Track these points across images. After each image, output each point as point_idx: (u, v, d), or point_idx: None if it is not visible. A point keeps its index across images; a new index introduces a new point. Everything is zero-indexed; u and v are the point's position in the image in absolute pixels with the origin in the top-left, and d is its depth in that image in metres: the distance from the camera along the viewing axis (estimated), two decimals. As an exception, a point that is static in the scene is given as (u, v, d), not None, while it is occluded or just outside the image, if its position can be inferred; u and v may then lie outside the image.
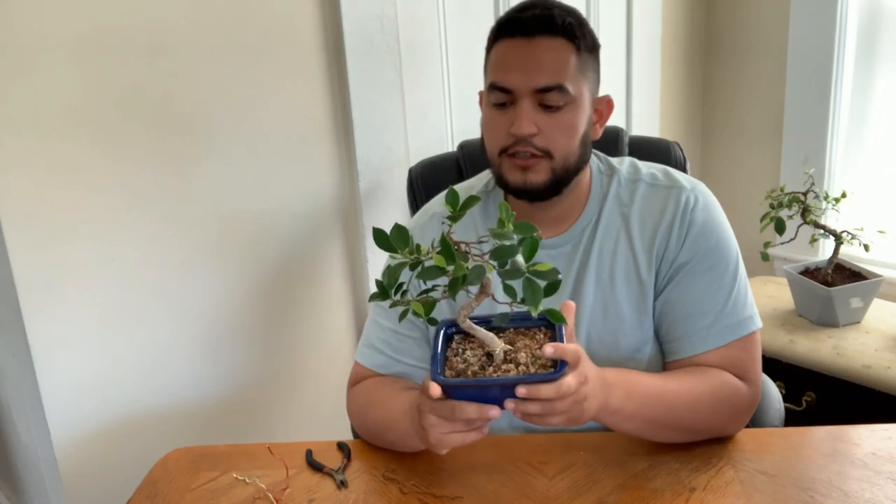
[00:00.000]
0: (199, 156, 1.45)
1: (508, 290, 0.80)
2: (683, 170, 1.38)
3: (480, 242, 0.78)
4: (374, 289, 0.80)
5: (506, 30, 1.04)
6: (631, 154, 1.39)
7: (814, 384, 1.73)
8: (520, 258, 0.76)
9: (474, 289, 0.80)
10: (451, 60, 1.84)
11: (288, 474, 1.01)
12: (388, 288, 0.77)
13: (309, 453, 1.05)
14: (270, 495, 0.97)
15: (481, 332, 0.83)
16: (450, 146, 1.87)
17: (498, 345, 0.83)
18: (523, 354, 0.83)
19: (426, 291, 0.79)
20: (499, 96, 1.03)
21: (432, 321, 0.79)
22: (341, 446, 1.07)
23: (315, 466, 1.02)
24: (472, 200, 0.79)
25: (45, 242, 1.29)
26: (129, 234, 1.38)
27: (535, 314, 0.77)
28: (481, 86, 1.13)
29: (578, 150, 1.05)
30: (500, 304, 0.81)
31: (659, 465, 0.97)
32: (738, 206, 2.12)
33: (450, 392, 0.83)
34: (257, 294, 1.59)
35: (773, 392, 1.23)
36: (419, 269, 0.76)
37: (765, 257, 1.79)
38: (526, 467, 0.99)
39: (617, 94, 2.23)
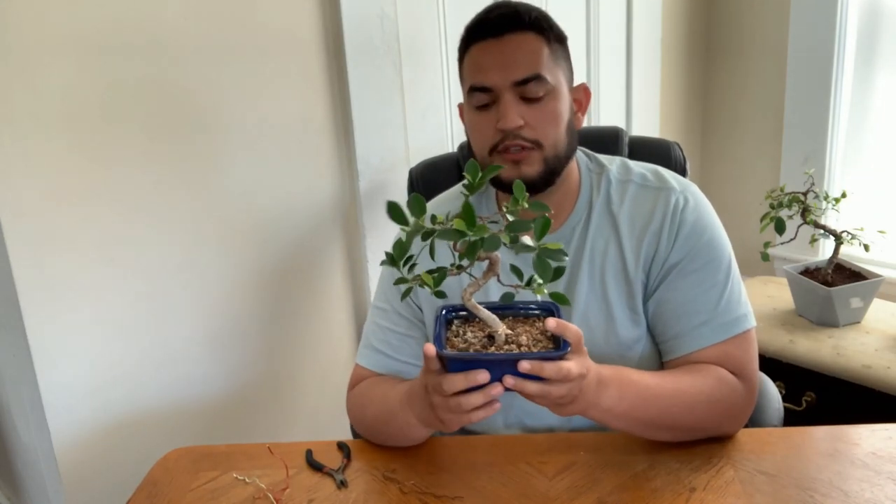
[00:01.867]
0: (199, 156, 1.45)
1: (515, 271, 0.81)
2: (683, 170, 1.38)
3: (492, 223, 0.79)
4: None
5: (475, 34, 1.06)
6: (631, 154, 1.39)
7: (814, 384, 1.73)
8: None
9: (479, 270, 0.82)
10: (451, 60, 1.83)
11: (288, 474, 1.01)
12: (397, 259, 0.78)
13: (309, 453, 1.05)
14: (270, 495, 0.97)
15: (484, 312, 0.84)
16: (450, 146, 1.87)
17: (500, 325, 0.84)
18: (525, 337, 0.84)
19: (435, 271, 0.80)
20: (480, 97, 1.04)
21: (440, 294, 0.80)
22: (341, 446, 1.07)
23: (315, 466, 1.02)
24: (492, 169, 0.81)
25: (46, 242, 1.28)
26: (129, 234, 1.38)
27: (539, 296, 0.79)
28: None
29: (566, 137, 1.06)
30: (504, 286, 0.82)
31: (659, 465, 0.97)
32: (738, 205, 2.12)
33: (448, 366, 0.83)
34: (257, 294, 1.59)
35: (772, 392, 1.23)
36: (433, 235, 0.76)
37: (765, 257, 1.79)
38: (526, 467, 0.99)
39: (617, 94, 2.24)
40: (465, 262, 0.79)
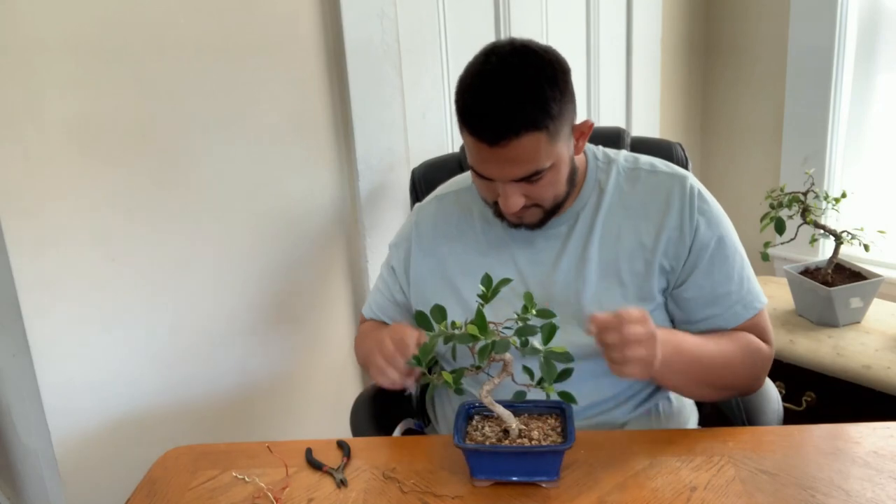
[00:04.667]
0: (199, 156, 1.45)
1: (527, 371, 0.92)
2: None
3: (505, 328, 0.90)
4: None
5: (469, 126, 1.02)
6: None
7: (814, 384, 1.73)
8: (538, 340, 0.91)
9: (496, 370, 0.94)
10: (451, 60, 1.83)
11: (287, 473, 1.00)
12: (422, 361, 0.90)
13: (308, 452, 1.05)
14: (270, 494, 0.96)
15: (500, 408, 0.95)
16: (450, 146, 1.87)
17: (514, 421, 0.95)
18: (536, 432, 0.95)
19: (454, 371, 0.92)
20: (479, 174, 1.07)
21: (460, 391, 0.92)
22: (341, 445, 1.06)
23: (315, 465, 1.02)
24: (503, 283, 0.92)
25: (45, 242, 1.28)
26: (129, 234, 1.38)
27: (549, 394, 0.90)
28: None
29: (566, 186, 1.10)
30: (518, 385, 0.93)
31: (659, 465, 0.97)
32: (739, 206, 2.12)
33: (468, 457, 0.94)
34: (257, 294, 1.59)
35: (771, 393, 1.22)
36: (453, 339, 0.89)
37: (765, 257, 1.79)
38: (526, 466, 0.99)
39: (617, 94, 2.24)
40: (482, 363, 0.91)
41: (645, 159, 1.19)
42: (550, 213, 1.12)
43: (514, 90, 0.99)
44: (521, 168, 1.02)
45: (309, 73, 1.58)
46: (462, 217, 1.22)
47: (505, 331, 0.91)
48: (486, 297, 0.91)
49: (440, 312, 0.91)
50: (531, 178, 1.03)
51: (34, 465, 1.42)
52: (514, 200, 1.05)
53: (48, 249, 1.29)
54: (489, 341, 0.87)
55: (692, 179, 1.16)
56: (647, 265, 1.12)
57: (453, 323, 0.90)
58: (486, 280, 0.92)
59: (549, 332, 0.90)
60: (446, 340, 0.89)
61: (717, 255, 1.12)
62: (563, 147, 1.05)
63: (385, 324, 1.28)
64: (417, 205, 1.30)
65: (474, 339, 0.87)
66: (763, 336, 1.15)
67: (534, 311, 0.91)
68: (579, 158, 1.15)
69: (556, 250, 1.15)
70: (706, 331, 1.13)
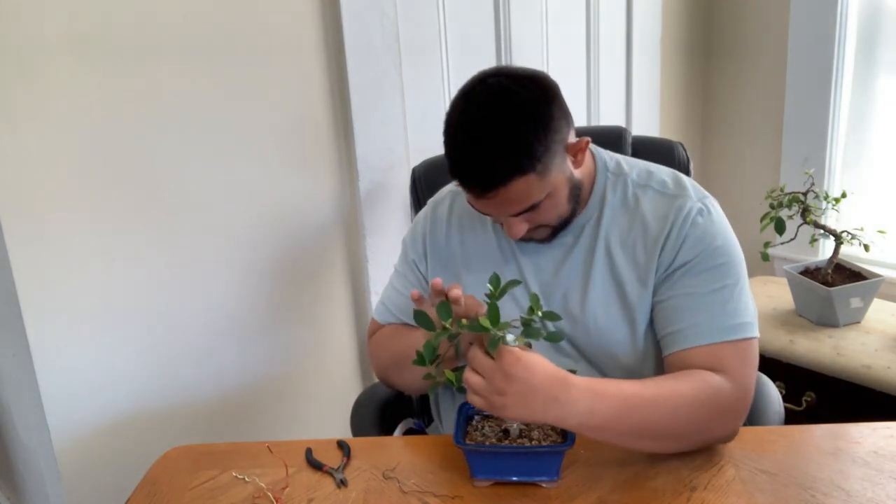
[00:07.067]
0: (199, 156, 1.45)
1: None
2: (687, 170, 1.39)
3: (512, 327, 0.90)
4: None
5: (457, 179, 1.03)
6: (634, 154, 1.39)
7: (814, 384, 1.73)
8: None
9: None
10: (451, 60, 1.83)
11: (287, 473, 1.00)
12: (426, 358, 0.90)
13: (309, 452, 1.05)
14: (270, 494, 0.96)
15: None
16: (450, 146, 1.87)
17: (514, 421, 0.95)
18: (536, 432, 0.96)
19: (459, 368, 0.92)
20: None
21: (462, 389, 0.92)
22: (341, 445, 1.06)
23: (315, 465, 1.02)
24: (511, 285, 0.91)
25: (46, 242, 1.28)
26: (130, 234, 1.38)
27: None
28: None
29: (568, 203, 1.09)
30: None
31: (660, 464, 0.97)
32: (739, 206, 2.11)
33: (467, 457, 0.95)
34: (258, 294, 1.59)
35: (772, 394, 1.22)
36: (458, 338, 0.90)
37: (765, 257, 1.79)
38: (526, 466, 0.99)
39: (617, 94, 2.24)
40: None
41: (660, 178, 1.13)
42: (559, 228, 1.11)
43: (496, 142, 0.98)
44: (515, 207, 1.03)
45: (309, 73, 1.58)
46: (475, 216, 1.21)
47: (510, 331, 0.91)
48: (493, 296, 0.91)
49: (445, 310, 0.89)
50: (528, 210, 1.04)
51: (34, 464, 1.42)
52: (518, 228, 1.06)
53: (48, 250, 1.29)
54: (499, 335, 0.86)
55: (697, 202, 1.08)
56: (642, 284, 1.08)
57: (458, 321, 0.89)
58: (495, 279, 0.91)
59: (554, 337, 0.94)
60: (451, 338, 0.89)
61: (697, 268, 1.04)
62: (558, 173, 1.03)
63: (409, 325, 1.22)
64: (432, 199, 1.28)
65: (485, 329, 0.86)
66: (731, 371, 0.98)
67: (539, 313, 0.91)
68: (587, 171, 1.12)
69: (559, 260, 1.13)
70: (669, 347, 1.04)
